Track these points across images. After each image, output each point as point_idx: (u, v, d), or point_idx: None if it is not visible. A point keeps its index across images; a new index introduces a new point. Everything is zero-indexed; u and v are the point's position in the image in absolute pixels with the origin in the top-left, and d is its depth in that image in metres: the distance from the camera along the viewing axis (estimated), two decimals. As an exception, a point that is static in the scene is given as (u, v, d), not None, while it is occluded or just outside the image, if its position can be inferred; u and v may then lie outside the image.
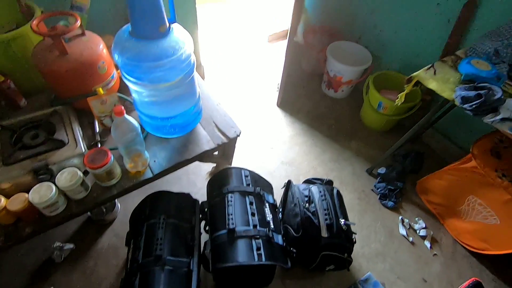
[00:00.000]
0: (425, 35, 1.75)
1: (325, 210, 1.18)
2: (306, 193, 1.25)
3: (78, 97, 1.17)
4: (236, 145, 1.90)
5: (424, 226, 1.61)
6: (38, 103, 1.27)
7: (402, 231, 1.59)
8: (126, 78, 1.00)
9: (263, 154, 1.87)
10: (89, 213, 1.45)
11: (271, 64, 2.52)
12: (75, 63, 1.08)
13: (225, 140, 1.27)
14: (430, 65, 1.26)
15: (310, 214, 1.16)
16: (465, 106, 1.08)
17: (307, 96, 2.27)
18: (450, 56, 1.33)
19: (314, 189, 1.26)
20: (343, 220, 1.18)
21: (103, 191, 1.06)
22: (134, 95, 1.11)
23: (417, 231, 1.60)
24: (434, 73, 1.23)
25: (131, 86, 1.04)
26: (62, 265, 1.32)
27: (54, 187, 0.94)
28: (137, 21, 0.91)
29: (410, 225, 1.62)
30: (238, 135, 1.29)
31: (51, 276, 1.29)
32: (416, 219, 1.65)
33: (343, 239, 1.15)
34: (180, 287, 1.02)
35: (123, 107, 0.92)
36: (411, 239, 1.57)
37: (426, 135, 1.99)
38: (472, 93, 1.07)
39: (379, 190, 1.74)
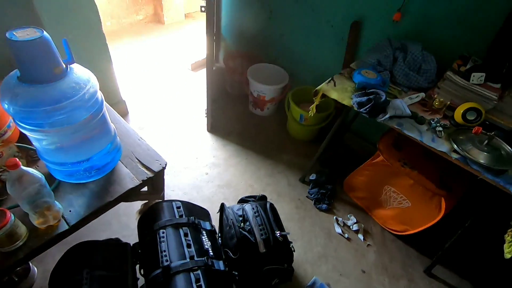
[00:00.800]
0: (327, 52, 1.99)
1: (259, 225, 1.21)
2: (240, 212, 1.27)
3: (-36, 154, 1.01)
4: (169, 176, 1.84)
5: (355, 221, 1.76)
6: None
7: (338, 229, 1.71)
8: (21, 126, 0.91)
9: (199, 181, 1.85)
10: (-3, 286, 1.23)
11: (196, 91, 2.55)
12: (-45, 117, 0.94)
13: (150, 174, 1.22)
14: (330, 78, 1.44)
15: (245, 233, 1.17)
16: (361, 110, 1.25)
17: (236, 118, 2.35)
18: (346, 68, 1.54)
19: (248, 207, 1.29)
20: (278, 232, 1.22)
21: (6, 257, 0.92)
22: (34, 143, 1.01)
23: (351, 227, 1.74)
24: (334, 84, 1.40)
25: (30, 134, 0.94)
26: None
27: None
28: (27, 67, 0.84)
29: (344, 222, 1.76)
30: (164, 167, 1.26)
31: None
32: (348, 215, 1.79)
33: (280, 250, 1.19)
34: None
35: (17, 159, 0.82)
36: (346, 235, 1.69)
37: (346, 138, 2.21)
38: (364, 99, 1.24)
39: (312, 195, 1.85)
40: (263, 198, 1.44)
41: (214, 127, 2.21)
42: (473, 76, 1.24)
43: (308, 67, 2.16)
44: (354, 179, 1.81)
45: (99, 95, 1.02)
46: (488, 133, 1.15)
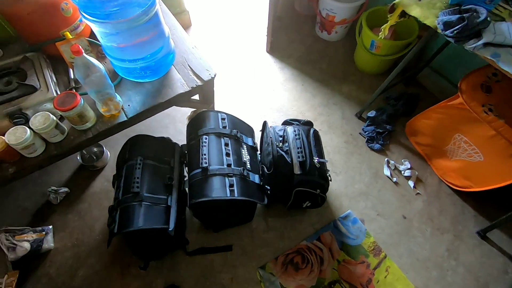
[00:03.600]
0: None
1: (298, 148, 1.19)
2: (281, 133, 1.26)
3: (47, 42, 1.16)
4: (222, 91, 1.88)
5: (409, 167, 1.61)
6: (13, 52, 1.27)
7: (387, 171, 1.60)
8: (84, 16, 0.97)
9: (252, 101, 1.85)
10: (81, 160, 1.53)
11: (264, 8, 2.36)
12: (36, 5, 1.05)
13: (199, 83, 1.25)
14: (416, -10, 1.15)
15: (283, 153, 1.18)
16: (447, 32, 1.00)
17: (300, 40, 2.16)
18: (442, -21, 1.20)
19: (290, 129, 1.26)
20: (317, 158, 1.19)
21: (79, 134, 1.10)
22: (99, 37, 1.08)
23: (402, 172, 1.60)
24: (420, -2, 1.12)
25: (92, 26, 1.01)
26: (59, 207, 1.44)
27: (28, 130, 0.98)
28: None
29: (395, 166, 1.63)
30: (213, 77, 1.27)
31: (49, 217, 1.41)
32: (403, 160, 1.64)
33: (315, 176, 1.17)
34: (158, 220, 1.09)
35: (80, 46, 0.90)
36: (394, 179, 1.58)
37: (422, 76, 1.89)
38: (454, 17, 0.97)
39: (367, 133, 1.72)
40: (308, 124, 1.38)
41: (274, 48, 2.08)
42: None
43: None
44: (420, 122, 1.59)
45: (152, -8, 1.01)
46: None
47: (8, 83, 1.09)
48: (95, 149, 1.57)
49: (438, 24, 1.03)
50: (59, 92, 1.12)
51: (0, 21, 1.24)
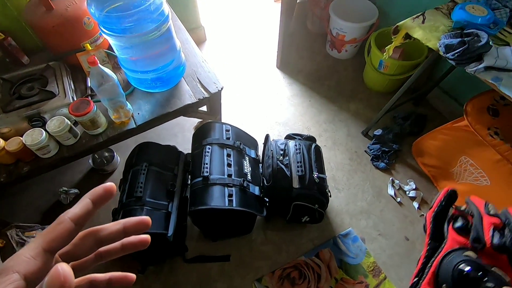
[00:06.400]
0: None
1: (298, 162, 1.21)
2: (283, 147, 1.28)
3: (68, 52, 1.25)
4: (230, 104, 1.94)
5: (414, 187, 1.59)
6: (39, 60, 1.38)
7: (391, 191, 1.58)
8: (102, 30, 1.06)
9: (258, 114, 1.90)
10: (92, 163, 1.60)
11: (276, 24, 2.43)
12: (61, 19, 1.15)
13: (206, 95, 1.30)
14: (420, 13, 1.18)
15: (282, 166, 1.20)
16: (448, 55, 1.01)
17: (310, 57, 2.21)
18: (447, 3, 1.22)
19: (291, 143, 1.28)
20: (317, 173, 1.20)
21: (91, 138, 1.17)
22: (115, 50, 1.17)
23: (407, 192, 1.58)
24: (423, 21, 1.15)
25: (109, 40, 1.09)
26: (69, 207, 1.50)
27: (44, 132, 1.06)
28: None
29: (400, 186, 1.61)
30: (220, 90, 1.32)
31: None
32: (408, 181, 1.62)
33: (314, 191, 1.18)
34: (158, 225, 1.13)
35: (96, 57, 0.98)
36: (398, 199, 1.56)
37: (432, 96, 1.88)
38: (455, 40, 0.99)
39: (372, 151, 1.71)
40: (310, 139, 1.40)
41: (284, 64, 2.14)
42: None
43: (405, 2, 1.79)
44: (426, 143, 1.58)
45: (166, 9, 1.08)
46: None
47: (30, 88, 1.18)
48: (106, 154, 1.65)
49: (440, 46, 1.05)
50: (75, 99, 1.20)
51: (29, 32, 1.36)
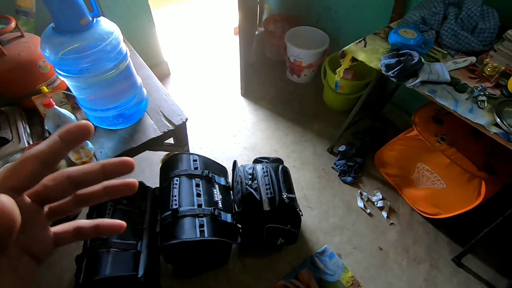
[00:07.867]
0: (374, 11, 1.79)
1: (267, 185, 1.23)
2: (251, 171, 1.30)
3: (23, 96, 1.22)
4: (198, 134, 1.95)
5: (381, 197, 1.66)
6: (-10, 106, 1.32)
7: (360, 203, 1.64)
8: (57, 72, 1.05)
9: (226, 142, 1.92)
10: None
11: (237, 56, 2.55)
12: (13, 64, 1.13)
13: (171, 127, 1.31)
14: (362, 38, 1.30)
15: (252, 190, 1.21)
16: (389, 73, 1.13)
17: (272, 83, 2.32)
18: (384, 28, 1.37)
19: (259, 167, 1.31)
20: (286, 193, 1.23)
21: (49, 182, 1.12)
22: (72, 90, 1.16)
23: (375, 203, 1.65)
24: (365, 45, 1.27)
25: (66, 81, 1.09)
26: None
27: (-4, 181, 0.99)
28: (57, 18, 0.96)
29: (368, 197, 1.67)
30: (184, 122, 1.34)
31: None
32: (375, 191, 1.70)
33: (285, 211, 1.20)
34: (127, 267, 1.07)
35: (51, 99, 0.97)
36: (368, 211, 1.61)
37: (386, 110, 2.03)
38: (393, 60, 1.11)
39: (338, 167, 1.79)
40: (277, 161, 1.44)
41: (248, 92, 2.22)
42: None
43: (351, 30, 1.98)
44: (386, 154, 1.68)
45: (123, 47, 1.11)
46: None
47: (-19, 136, 1.13)
48: (69, 197, 1.56)
49: (381, 66, 1.16)
50: (31, 143, 1.16)
51: (-20, 78, 1.31)
